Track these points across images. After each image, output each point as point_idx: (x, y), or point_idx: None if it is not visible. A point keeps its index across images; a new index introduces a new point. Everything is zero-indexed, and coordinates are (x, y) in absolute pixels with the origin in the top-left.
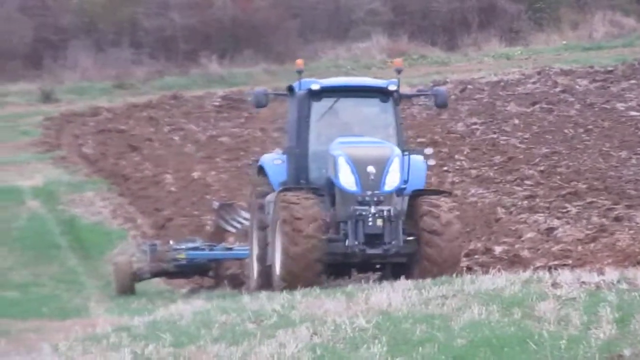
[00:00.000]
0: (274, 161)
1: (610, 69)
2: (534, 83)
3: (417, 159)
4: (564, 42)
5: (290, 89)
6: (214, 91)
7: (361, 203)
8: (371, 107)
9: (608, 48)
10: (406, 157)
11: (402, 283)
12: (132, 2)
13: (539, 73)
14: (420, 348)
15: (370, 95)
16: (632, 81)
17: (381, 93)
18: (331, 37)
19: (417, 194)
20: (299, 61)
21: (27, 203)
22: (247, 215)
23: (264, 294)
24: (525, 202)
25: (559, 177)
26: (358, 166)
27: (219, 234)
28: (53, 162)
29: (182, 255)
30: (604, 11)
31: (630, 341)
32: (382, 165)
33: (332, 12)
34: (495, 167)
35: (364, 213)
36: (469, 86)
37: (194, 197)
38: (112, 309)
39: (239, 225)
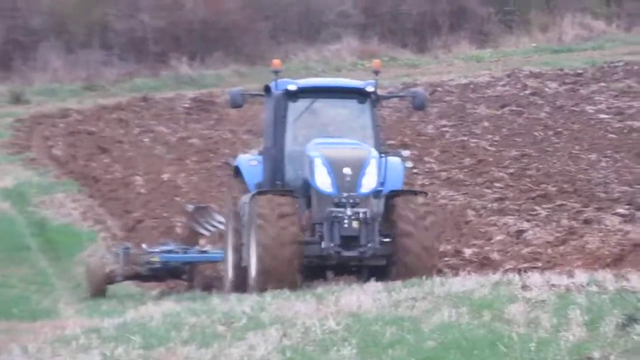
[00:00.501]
0: (250, 162)
1: (579, 71)
2: (503, 85)
3: (394, 160)
4: (534, 44)
5: (267, 89)
6: (184, 93)
7: (337, 205)
8: (348, 108)
9: (578, 51)
10: (383, 159)
11: (372, 285)
12: (102, 4)
13: (508, 76)
14: (390, 350)
15: (347, 96)
16: (602, 84)
17: (359, 94)
18: (302, 38)
19: (393, 195)
20: (276, 61)
21: None
22: (221, 218)
23: (234, 296)
24: (495, 204)
25: (528, 180)
26: (334, 167)
27: (192, 237)
28: (23, 163)
29: (156, 258)
30: (573, 14)
31: (599, 344)
32: (359, 167)
33: (303, 14)
34: (465, 170)
35: (339, 215)
36: (439, 89)
37: (164, 199)
38: (82, 311)
39: (213, 229)
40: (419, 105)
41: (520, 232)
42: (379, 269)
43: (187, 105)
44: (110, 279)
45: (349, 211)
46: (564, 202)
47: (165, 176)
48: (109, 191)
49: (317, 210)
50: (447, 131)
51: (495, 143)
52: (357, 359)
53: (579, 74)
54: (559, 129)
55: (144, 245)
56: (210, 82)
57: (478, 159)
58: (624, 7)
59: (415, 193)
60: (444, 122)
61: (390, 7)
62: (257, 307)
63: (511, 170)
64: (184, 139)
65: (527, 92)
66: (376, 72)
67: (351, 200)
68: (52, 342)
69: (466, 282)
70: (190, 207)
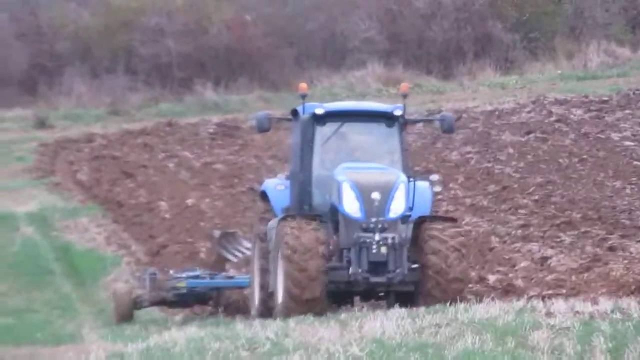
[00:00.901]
0: (277, 186)
1: (605, 98)
2: (528, 112)
3: (422, 185)
4: (559, 71)
5: (294, 113)
6: (208, 118)
7: (365, 230)
8: (376, 132)
9: (603, 78)
10: (411, 184)
11: (396, 311)
12: (127, 29)
13: (533, 102)
14: None
15: (375, 120)
16: (627, 111)
17: (387, 118)
18: (326, 65)
19: (422, 221)
20: (303, 85)
21: (21, 229)
22: (247, 244)
23: (257, 322)
24: (520, 231)
25: (553, 207)
26: (362, 192)
27: (219, 263)
28: (47, 188)
29: (183, 284)
30: (598, 41)
31: None
32: (387, 192)
33: (328, 40)
34: (490, 196)
35: (367, 240)
36: (464, 115)
37: (188, 224)
38: (106, 336)
39: (239, 254)
40: (448, 129)
41: (544, 258)
42: (406, 295)
43: (211, 130)
44: (137, 305)
45: (377, 236)
46: (588, 229)
47: (189, 201)
48: (134, 216)
49: (345, 236)
50: (471, 158)
51: (520, 170)
52: None
53: (604, 101)
54: (584, 156)
55: (170, 271)
56: (235, 108)
57: (503, 185)
58: None
59: (444, 219)
60: (468, 148)
61: (416, 34)
62: (281, 333)
63: (536, 197)
64: (208, 164)
65: (552, 119)
66: (404, 96)
67: (379, 226)
68: None
69: (490, 309)
70: (217, 233)
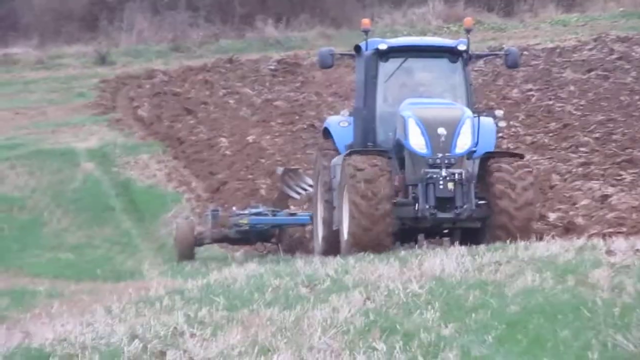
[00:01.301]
0: (340, 123)
1: None
2: (590, 50)
3: (487, 121)
4: (621, 9)
5: (358, 49)
6: (269, 55)
7: (432, 166)
8: (440, 68)
9: None
10: (476, 119)
11: (456, 249)
12: None
13: (595, 40)
14: (473, 314)
15: (439, 55)
16: None
17: (450, 53)
18: (388, 2)
19: (488, 157)
20: (366, 20)
21: (82, 165)
22: (310, 181)
23: (317, 259)
24: (580, 169)
25: (614, 145)
26: (428, 128)
27: (282, 200)
28: (108, 124)
29: (245, 221)
30: None
31: None
32: (453, 128)
33: None
34: (550, 134)
35: (434, 176)
36: (525, 52)
37: (249, 161)
38: (166, 272)
39: (302, 192)
40: (513, 63)
41: (605, 197)
42: (472, 232)
43: (272, 67)
44: (199, 241)
45: (443, 172)
46: None
47: (250, 138)
48: (194, 153)
49: (411, 172)
50: (532, 95)
51: (581, 107)
52: (439, 322)
53: None
54: None
55: (233, 208)
56: (296, 45)
57: (563, 123)
58: None
59: (511, 155)
60: (529, 86)
61: None
62: (341, 270)
63: (597, 135)
64: (269, 101)
65: (614, 56)
66: (468, 31)
67: (446, 161)
68: (136, 302)
69: (550, 247)
70: (279, 170)
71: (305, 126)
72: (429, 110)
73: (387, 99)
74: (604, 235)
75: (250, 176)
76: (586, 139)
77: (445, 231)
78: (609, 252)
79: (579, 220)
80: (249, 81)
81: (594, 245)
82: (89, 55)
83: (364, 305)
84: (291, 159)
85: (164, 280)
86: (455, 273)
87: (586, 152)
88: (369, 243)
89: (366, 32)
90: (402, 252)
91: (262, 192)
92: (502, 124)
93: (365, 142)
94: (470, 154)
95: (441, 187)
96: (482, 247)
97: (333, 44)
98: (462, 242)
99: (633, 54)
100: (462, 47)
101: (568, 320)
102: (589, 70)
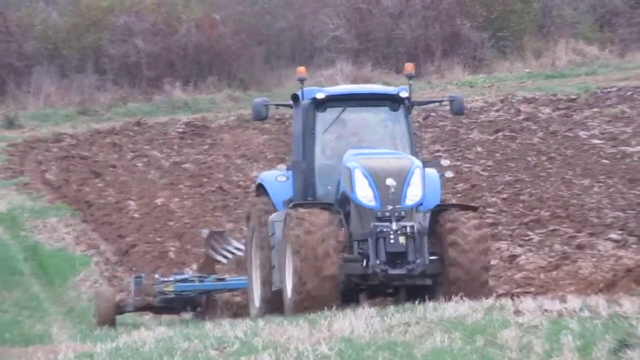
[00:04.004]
0: (277, 178)
1: (573, 97)
2: (497, 111)
3: (431, 172)
4: (527, 70)
5: (294, 98)
6: (177, 117)
7: (381, 219)
8: (381, 117)
9: (571, 76)
10: (424, 170)
11: (365, 310)
12: (96, 29)
13: (502, 101)
14: None
15: (380, 103)
16: (595, 109)
17: (392, 101)
18: (295, 63)
19: (440, 210)
20: (301, 69)
21: None
22: (237, 244)
23: (226, 321)
24: (488, 229)
25: (521, 205)
26: (376, 179)
27: (208, 265)
28: (16, 188)
29: (170, 288)
30: (567, 39)
31: None
32: (403, 178)
33: (296, 39)
34: (459, 195)
35: (385, 230)
36: (432, 114)
37: (157, 224)
38: (75, 336)
39: (230, 255)
40: (458, 110)
41: (513, 257)
42: (420, 290)
43: (180, 129)
44: (121, 309)
45: (394, 225)
46: (557, 227)
47: (158, 201)
48: (103, 216)
49: (358, 226)
50: (440, 156)
51: (489, 168)
52: None
53: (573, 100)
54: (552, 154)
55: (156, 275)
56: (204, 107)
57: (471, 184)
58: (617, 33)
59: (464, 208)
60: (437, 147)
61: (384, 33)
62: (250, 332)
63: (504, 196)
64: (177, 164)
65: (521, 117)
66: (409, 77)
67: (396, 214)
68: None
69: (459, 307)
70: (205, 233)
71: (214, 189)
72: (376, 160)
73: (326, 151)
74: (512, 296)
75: (159, 239)
76: (494, 199)
77: (389, 290)
78: (517, 312)
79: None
80: (158, 144)
81: (502, 305)
82: None
83: None
84: (200, 221)
85: (72, 344)
86: (365, 334)
87: (494, 213)
88: (314, 302)
89: (302, 80)
90: (311, 314)
91: (172, 254)
92: (449, 174)
93: (305, 196)
94: (417, 207)
95: (392, 241)
96: (391, 307)
97: (241, 106)
98: (409, 300)
99: (539, 114)
100: (404, 94)
101: None
102: (496, 131)
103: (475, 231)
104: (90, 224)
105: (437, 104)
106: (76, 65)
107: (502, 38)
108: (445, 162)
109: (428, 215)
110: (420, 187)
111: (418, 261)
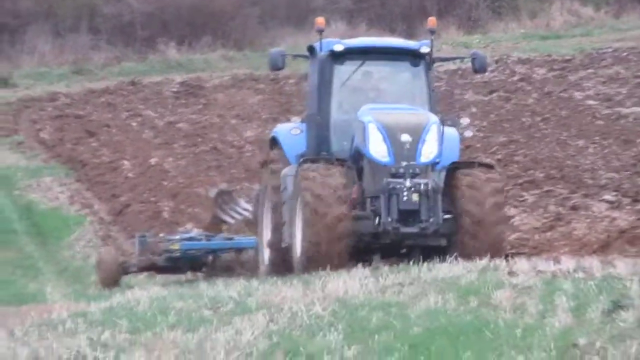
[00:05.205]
0: (291, 131)
1: (568, 58)
2: (491, 72)
3: (450, 130)
4: (522, 30)
5: (311, 50)
6: (172, 77)
7: (394, 175)
8: (401, 71)
9: (566, 37)
10: (441, 127)
11: (360, 270)
12: None
13: (497, 62)
14: (376, 336)
15: (400, 58)
16: (590, 70)
17: (412, 56)
18: (290, 24)
19: (455, 167)
20: (320, 19)
21: None
22: (245, 204)
23: (221, 281)
24: (504, 183)
25: (516, 166)
26: (391, 134)
27: (215, 225)
28: (10, 147)
29: (176, 247)
30: (562, 0)
31: (585, 330)
32: (418, 134)
33: (291, 0)
34: None
35: (397, 186)
36: None
37: (151, 184)
38: (69, 295)
39: (238, 216)
40: (480, 67)
41: (507, 217)
42: (433, 250)
43: (175, 89)
44: (124, 270)
45: (407, 182)
46: (551, 189)
47: (153, 160)
48: (97, 175)
49: (371, 182)
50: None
51: (483, 129)
52: (343, 344)
53: (567, 61)
54: (547, 115)
55: (161, 234)
56: (198, 67)
57: (465, 144)
58: None
59: (480, 165)
60: None
61: None
62: (244, 292)
63: (499, 156)
64: (171, 123)
65: (515, 78)
66: (432, 32)
67: (410, 171)
68: (39, 325)
69: (453, 268)
70: (212, 192)
71: (208, 148)
72: (392, 116)
73: (343, 105)
74: (506, 256)
75: (153, 199)
76: (488, 160)
77: (403, 250)
78: (511, 273)
79: None
80: (152, 104)
81: (497, 266)
82: None
83: (267, 328)
84: (194, 180)
85: (66, 303)
86: (359, 294)
87: None
88: (324, 260)
89: (320, 31)
90: (306, 275)
91: (165, 214)
92: (468, 133)
93: (319, 151)
94: (434, 165)
95: (405, 198)
96: (385, 268)
97: (235, 66)
98: (423, 261)
99: (534, 75)
100: (425, 50)
101: (470, 341)
102: (491, 92)
103: (490, 191)
104: (85, 184)
105: (458, 60)
106: (70, 24)
107: None
108: (465, 121)
109: (444, 173)
110: (437, 145)
111: (431, 220)
